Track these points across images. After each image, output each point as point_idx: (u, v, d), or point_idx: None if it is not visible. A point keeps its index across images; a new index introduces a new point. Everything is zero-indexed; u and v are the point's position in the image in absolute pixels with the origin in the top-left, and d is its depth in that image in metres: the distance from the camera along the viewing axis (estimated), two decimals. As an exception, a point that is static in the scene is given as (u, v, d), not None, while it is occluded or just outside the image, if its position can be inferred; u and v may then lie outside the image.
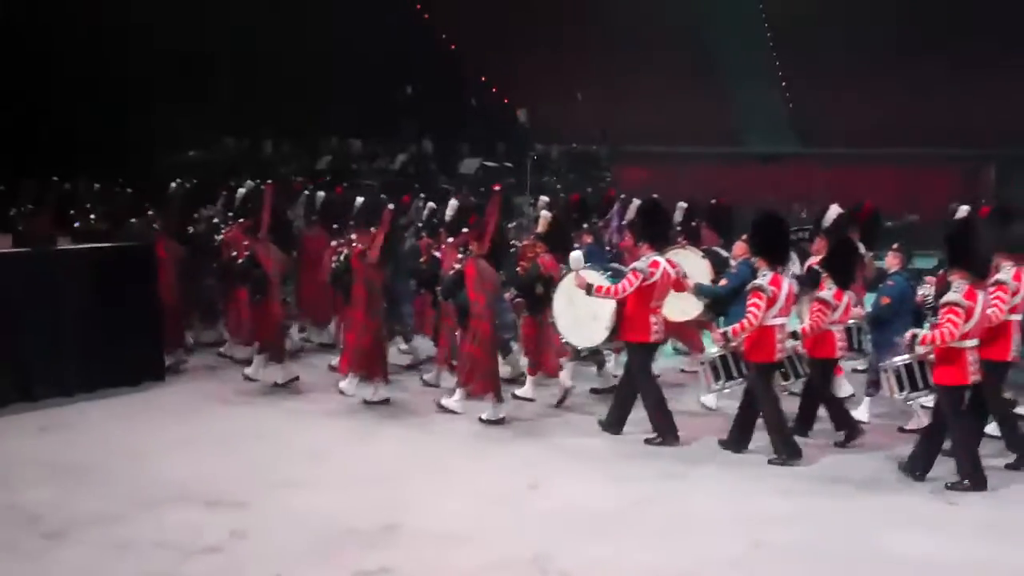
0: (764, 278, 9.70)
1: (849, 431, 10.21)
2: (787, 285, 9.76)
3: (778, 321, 9.67)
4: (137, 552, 7.48)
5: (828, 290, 10.28)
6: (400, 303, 13.05)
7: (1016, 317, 9.61)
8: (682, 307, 11.33)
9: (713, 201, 13.72)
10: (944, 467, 9.11)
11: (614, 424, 10.50)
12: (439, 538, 7.77)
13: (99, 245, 12.63)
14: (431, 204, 14.05)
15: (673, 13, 31.39)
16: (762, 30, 33.04)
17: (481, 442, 10.35)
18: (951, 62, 29.18)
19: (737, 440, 9.96)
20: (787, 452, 9.59)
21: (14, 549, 7.52)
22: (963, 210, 12.99)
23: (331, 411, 11.44)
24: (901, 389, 9.62)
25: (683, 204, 13.37)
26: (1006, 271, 9.59)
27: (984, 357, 9.10)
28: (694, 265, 11.52)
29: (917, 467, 9.15)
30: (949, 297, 8.89)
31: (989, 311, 9.08)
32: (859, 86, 30.10)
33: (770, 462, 9.60)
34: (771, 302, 9.55)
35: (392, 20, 30.46)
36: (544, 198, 15.15)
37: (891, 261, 11.33)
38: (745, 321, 9.56)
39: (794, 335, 9.99)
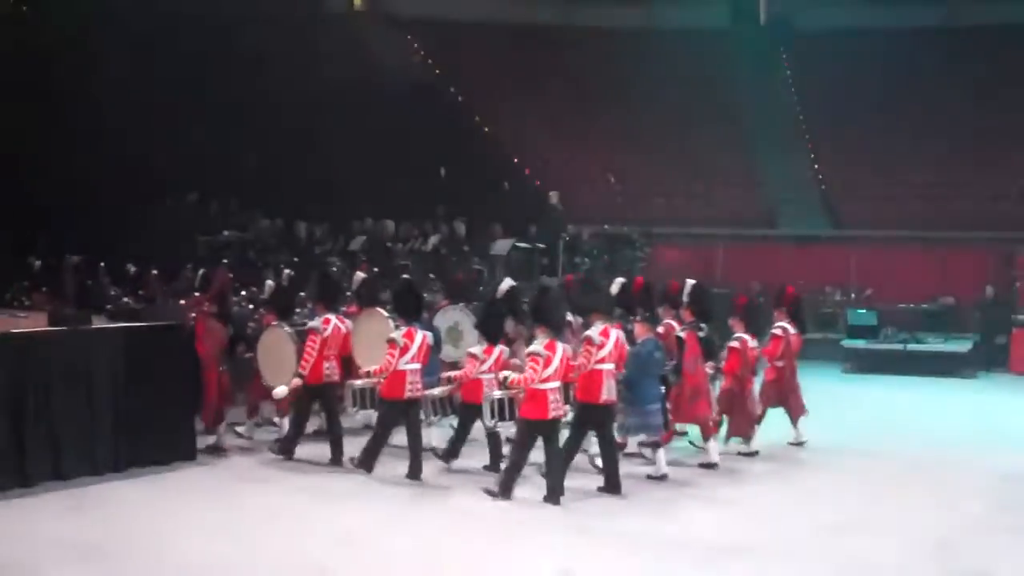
0: (540, 343, 10.89)
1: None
2: (560, 349, 10.97)
3: (551, 384, 10.81)
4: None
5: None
6: None
7: (607, 367, 11.19)
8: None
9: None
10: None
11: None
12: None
13: (132, 325, 12.65)
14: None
15: (708, 96, 31.62)
16: (795, 111, 33.22)
17: (514, 526, 10.20)
18: (981, 149, 29.24)
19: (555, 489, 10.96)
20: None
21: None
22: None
23: (362, 492, 11.37)
24: (492, 417, 11.43)
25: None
26: (595, 328, 11.28)
27: (579, 399, 11.26)
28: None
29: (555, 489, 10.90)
30: (532, 348, 10.85)
31: (577, 361, 11.08)
32: (890, 170, 30.15)
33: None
34: (547, 363, 10.73)
35: (427, 102, 30.86)
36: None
37: (639, 331, 12.13)
38: (524, 377, 10.80)
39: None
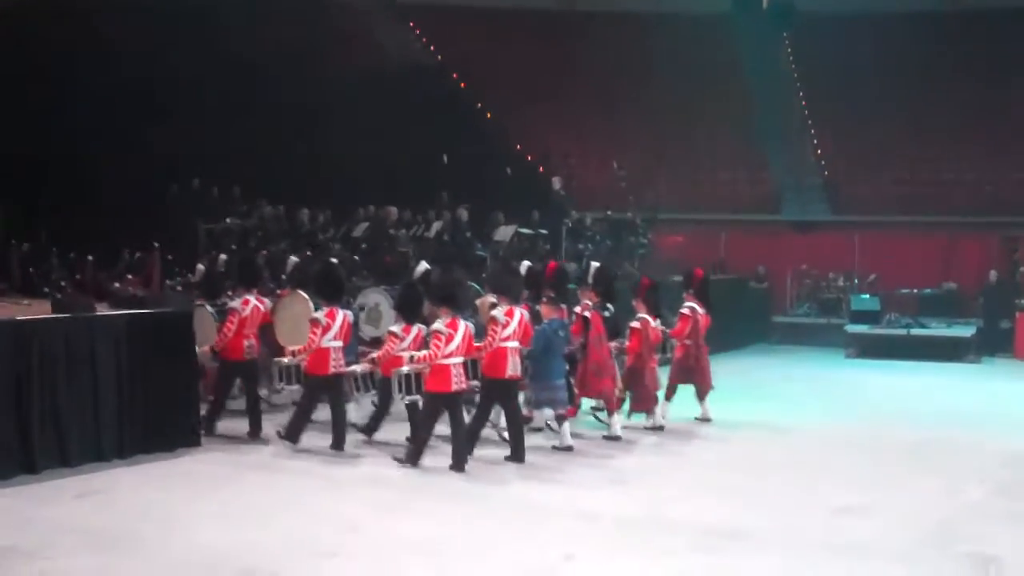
0: (442, 322, 11.57)
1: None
2: (462, 327, 11.68)
3: (454, 360, 11.55)
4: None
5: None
6: None
7: (512, 344, 11.97)
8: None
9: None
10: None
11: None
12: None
13: (137, 312, 12.69)
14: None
15: (710, 81, 31.59)
16: (797, 96, 33.20)
17: (517, 511, 10.24)
18: (983, 133, 29.23)
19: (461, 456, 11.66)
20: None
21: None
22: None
23: (366, 479, 11.43)
24: (399, 391, 11.99)
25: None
26: (499, 309, 12.08)
27: (485, 374, 12.00)
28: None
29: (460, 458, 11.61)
30: (435, 326, 11.59)
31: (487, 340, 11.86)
32: (892, 155, 30.14)
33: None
34: (448, 340, 11.47)
35: (429, 88, 30.82)
36: None
37: (545, 311, 12.90)
38: (428, 353, 11.53)
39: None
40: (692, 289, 15.32)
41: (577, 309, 13.62)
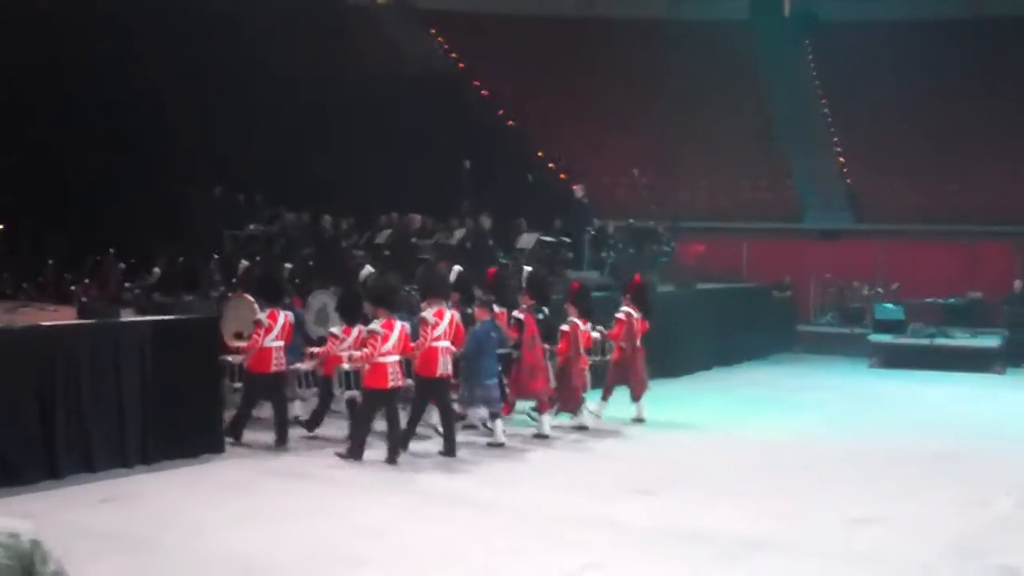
0: (378, 322, 12.22)
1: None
2: (398, 327, 12.34)
3: (390, 358, 12.24)
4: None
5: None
6: None
7: (442, 344, 12.66)
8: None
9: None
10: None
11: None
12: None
13: (161, 318, 12.76)
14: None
15: (733, 88, 31.55)
16: (819, 104, 33.14)
17: (538, 520, 10.24)
18: (1008, 142, 29.09)
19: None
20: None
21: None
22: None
23: (389, 486, 11.46)
24: (339, 386, 12.76)
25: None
26: (429, 310, 12.72)
27: (417, 373, 12.72)
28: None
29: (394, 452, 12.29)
30: (371, 326, 12.27)
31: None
32: (914, 162, 30.03)
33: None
34: (384, 340, 12.15)
35: (452, 95, 30.89)
36: None
37: (478, 314, 13.54)
38: (364, 352, 12.20)
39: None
40: (629, 294, 15.89)
41: (518, 314, 14.19)
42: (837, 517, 10.53)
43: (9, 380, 10.74)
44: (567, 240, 22.60)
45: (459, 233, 21.66)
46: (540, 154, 31.24)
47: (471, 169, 22.97)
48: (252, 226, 21.60)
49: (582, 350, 14.71)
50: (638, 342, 15.56)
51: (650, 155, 29.89)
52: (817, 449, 14.20)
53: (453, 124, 28.16)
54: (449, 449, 12.84)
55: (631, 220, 24.31)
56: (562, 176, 29.88)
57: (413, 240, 21.55)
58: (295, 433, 13.47)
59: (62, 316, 12.40)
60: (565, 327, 14.64)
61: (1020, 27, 31.22)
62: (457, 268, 15.42)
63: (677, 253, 24.58)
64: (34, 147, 19.80)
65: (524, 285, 14.79)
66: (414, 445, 13.02)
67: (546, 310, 14.70)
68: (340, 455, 12.50)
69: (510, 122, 32.68)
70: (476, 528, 9.97)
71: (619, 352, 15.45)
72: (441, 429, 13.18)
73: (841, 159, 31.73)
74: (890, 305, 24.91)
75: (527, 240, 21.68)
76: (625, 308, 15.62)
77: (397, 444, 12.41)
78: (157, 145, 21.67)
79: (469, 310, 13.93)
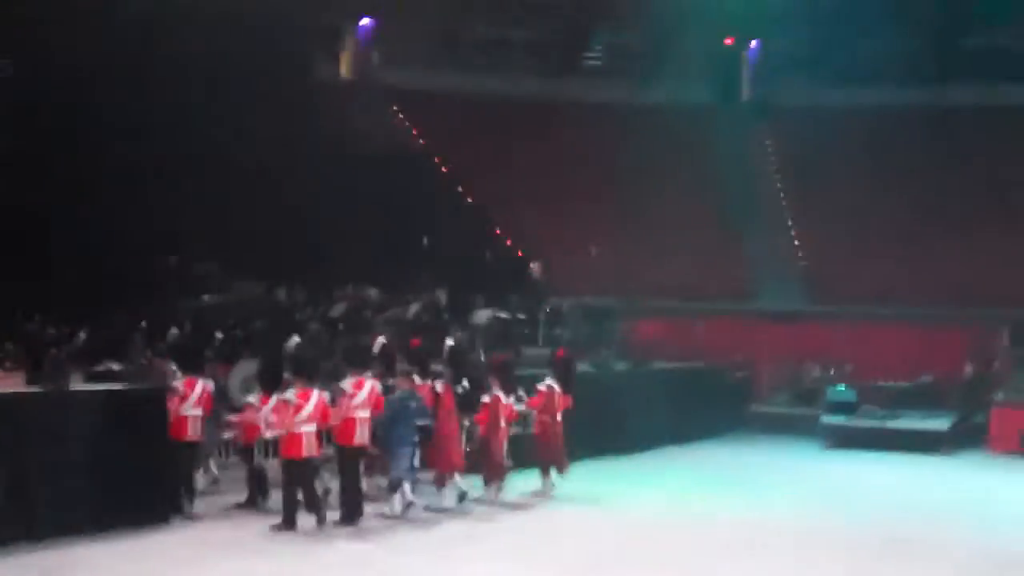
0: (293, 392, 12.40)
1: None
2: (315, 396, 12.53)
3: (307, 428, 12.41)
4: None
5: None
6: None
7: (362, 413, 12.95)
8: None
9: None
10: None
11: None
12: None
13: (111, 387, 12.65)
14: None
15: (690, 170, 31.91)
16: (775, 186, 33.55)
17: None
18: (960, 227, 29.53)
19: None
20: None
21: None
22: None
23: (348, 562, 11.42)
24: (264, 456, 13.45)
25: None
26: (347, 381, 13.06)
27: (337, 442, 13.08)
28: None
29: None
30: (285, 395, 12.40)
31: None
32: (870, 246, 30.37)
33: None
34: (298, 409, 12.32)
35: (411, 171, 31.03)
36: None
37: (399, 383, 13.71)
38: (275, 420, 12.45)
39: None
40: (552, 368, 16.20)
41: (438, 386, 14.43)
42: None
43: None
44: (522, 317, 22.67)
45: (415, 307, 21.70)
46: (498, 231, 31.37)
47: (429, 245, 23.05)
48: (206, 296, 21.52)
49: (502, 423, 14.89)
50: (559, 416, 15.74)
51: (607, 235, 30.07)
52: (768, 530, 14.14)
53: (412, 200, 28.26)
54: (351, 518, 12.90)
55: (586, 298, 24.44)
56: (519, 254, 30.01)
57: (367, 313, 21.54)
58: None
59: (12, 383, 12.25)
60: (486, 399, 14.80)
61: (981, 116, 31.89)
62: (381, 339, 15.72)
63: (632, 332, 24.68)
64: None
65: (445, 357, 15.05)
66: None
67: (465, 382, 14.86)
68: (275, 527, 12.45)
69: (469, 199, 32.82)
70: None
71: (540, 426, 15.71)
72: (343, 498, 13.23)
73: (796, 241, 32.05)
74: (842, 387, 25.05)
75: (482, 315, 21.76)
76: (548, 381, 15.84)
77: (322, 510, 12.55)
78: (118, 214, 21.63)
79: (391, 381, 14.06)
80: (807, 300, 30.23)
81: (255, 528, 12.57)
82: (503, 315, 22.21)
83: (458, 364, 14.99)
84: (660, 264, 30.93)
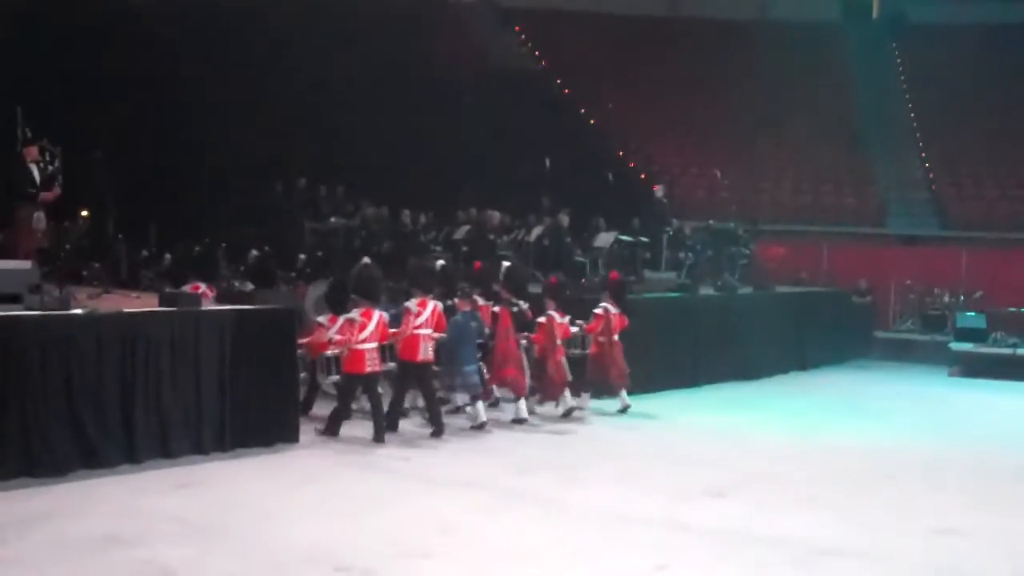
0: (358, 311, 13.03)
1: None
2: (376, 316, 13.13)
3: (369, 345, 13.01)
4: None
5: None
6: None
7: (424, 331, 13.48)
8: None
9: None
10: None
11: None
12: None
13: (242, 307, 12.89)
14: None
15: (818, 90, 31.23)
16: (906, 108, 32.67)
17: (606, 519, 10.20)
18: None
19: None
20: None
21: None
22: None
23: (461, 481, 11.49)
24: (322, 372, 14.11)
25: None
26: (413, 300, 13.57)
27: (400, 358, 13.65)
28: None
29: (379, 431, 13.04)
30: (350, 315, 13.06)
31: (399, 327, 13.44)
32: (1002, 169, 29.50)
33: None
34: (362, 328, 12.95)
35: (533, 93, 30.89)
36: None
37: (459, 304, 14.33)
38: (343, 338, 13.04)
39: None
40: (608, 291, 16.37)
41: (484, 303, 14.94)
42: (916, 527, 10.36)
43: (93, 364, 10.92)
44: (645, 240, 22.51)
45: (537, 230, 21.67)
46: (620, 153, 31.14)
47: (551, 167, 22.93)
48: (333, 219, 21.77)
49: (559, 342, 15.25)
50: (615, 337, 15.95)
51: (733, 156, 29.68)
52: (895, 458, 13.96)
53: (534, 122, 28.15)
54: (437, 431, 13.49)
55: (710, 221, 24.16)
56: (642, 176, 29.76)
57: (491, 236, 21.59)
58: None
59: (144, 304, 12.56)
60: (542, 319, 15.23)
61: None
62: (440, 262, 16.25)
63: (756, 255, 24.37)
64: (119, 142, 20.07)
65: (502, 279, 15.38)
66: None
67: (522, 303, 15.30)
68: (318, 430, 13.14)
69: (591, 121, 32.60)
70: (543, 526, 9.95)
71: (597, 347, 15.98)
72: (427, 412, 13.90)
73: (927, 164, 31.25)
74: (972, 313, 24.49)
75: (605, 239, 21.65)
76: (603, 304, 16.03)
77: (381, 424, 13.07)
78: (240, 136, 21.91)
79: (451, 302, 14.56)
80: (937, 225, 29.55)
81: (385, 448, 12.80)
82: (625, 238, 22.07)
83: (516, 285, 15.39)
84: (786, 186, 30.49)
